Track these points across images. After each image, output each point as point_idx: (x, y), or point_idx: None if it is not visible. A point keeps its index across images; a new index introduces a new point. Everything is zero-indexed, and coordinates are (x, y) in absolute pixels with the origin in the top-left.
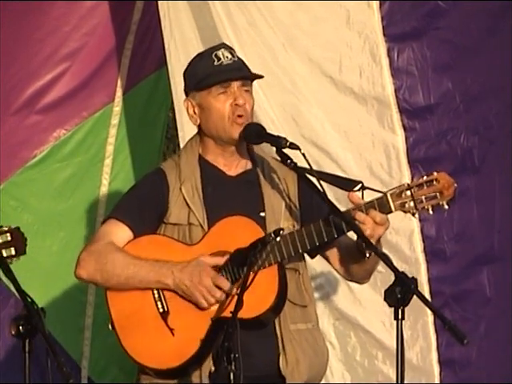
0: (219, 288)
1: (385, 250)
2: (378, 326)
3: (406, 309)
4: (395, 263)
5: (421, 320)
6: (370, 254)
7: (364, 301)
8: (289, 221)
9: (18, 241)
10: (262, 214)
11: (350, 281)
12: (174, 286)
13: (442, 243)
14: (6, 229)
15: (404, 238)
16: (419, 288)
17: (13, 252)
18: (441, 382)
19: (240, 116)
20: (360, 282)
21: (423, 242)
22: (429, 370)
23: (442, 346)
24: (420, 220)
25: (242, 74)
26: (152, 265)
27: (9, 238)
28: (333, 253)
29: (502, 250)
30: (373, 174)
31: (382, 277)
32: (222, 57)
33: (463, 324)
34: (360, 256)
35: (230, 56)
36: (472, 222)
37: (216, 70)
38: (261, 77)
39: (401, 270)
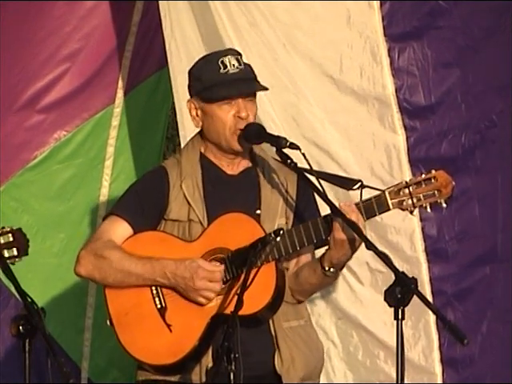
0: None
1: (386, 250)
2: (379, 326)
3: (408, 308)
4: (396, 263)
5: (422, 319)
6: (329, 269)
7: (365, 301)
8: (284, 220)
9: (20, 242)
10: (258, 212)
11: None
12: (171, 285)
13: (443, 243)
14: (8, 229)
15: (405, 238)
16: (421, 288)
17: (15, 253)
18: (443, 381)
19: (241, 129)
20: (297, 296)
21: (424, 241)
22: (431, 369)
23: (445, 346)
24: (421, 220)
25: (248, 90)
26: (145, 264)
27: (11, 239)
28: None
29: (505, 249)
30: (374, 173)
31: (383, 276)
32: (228, 64)
33: (465, 323)
34: (319, 270)
35: (236, 64)
36: (473, 222)
37: (222, 80)
38: (265, 89)
39: (402, 269)
